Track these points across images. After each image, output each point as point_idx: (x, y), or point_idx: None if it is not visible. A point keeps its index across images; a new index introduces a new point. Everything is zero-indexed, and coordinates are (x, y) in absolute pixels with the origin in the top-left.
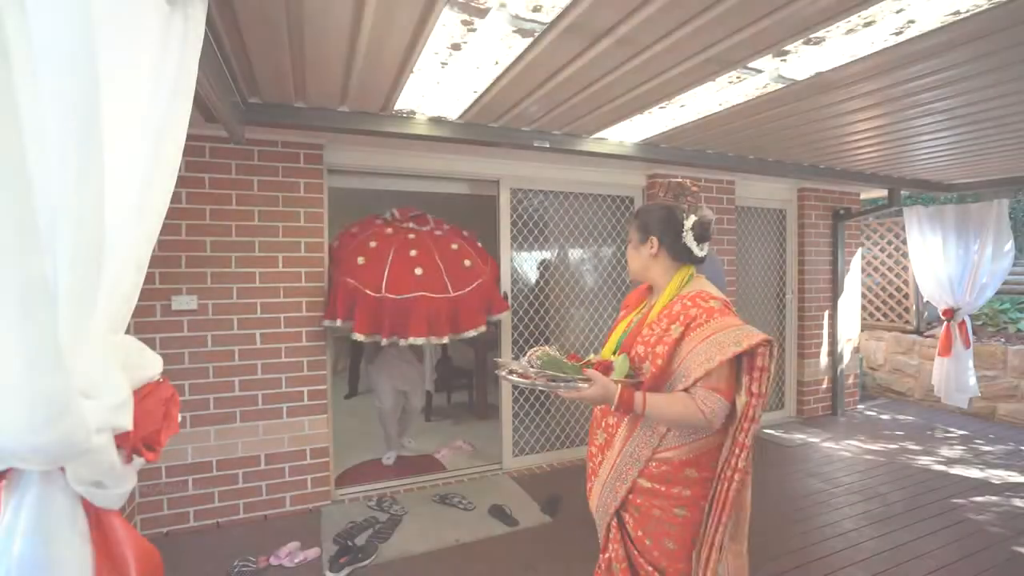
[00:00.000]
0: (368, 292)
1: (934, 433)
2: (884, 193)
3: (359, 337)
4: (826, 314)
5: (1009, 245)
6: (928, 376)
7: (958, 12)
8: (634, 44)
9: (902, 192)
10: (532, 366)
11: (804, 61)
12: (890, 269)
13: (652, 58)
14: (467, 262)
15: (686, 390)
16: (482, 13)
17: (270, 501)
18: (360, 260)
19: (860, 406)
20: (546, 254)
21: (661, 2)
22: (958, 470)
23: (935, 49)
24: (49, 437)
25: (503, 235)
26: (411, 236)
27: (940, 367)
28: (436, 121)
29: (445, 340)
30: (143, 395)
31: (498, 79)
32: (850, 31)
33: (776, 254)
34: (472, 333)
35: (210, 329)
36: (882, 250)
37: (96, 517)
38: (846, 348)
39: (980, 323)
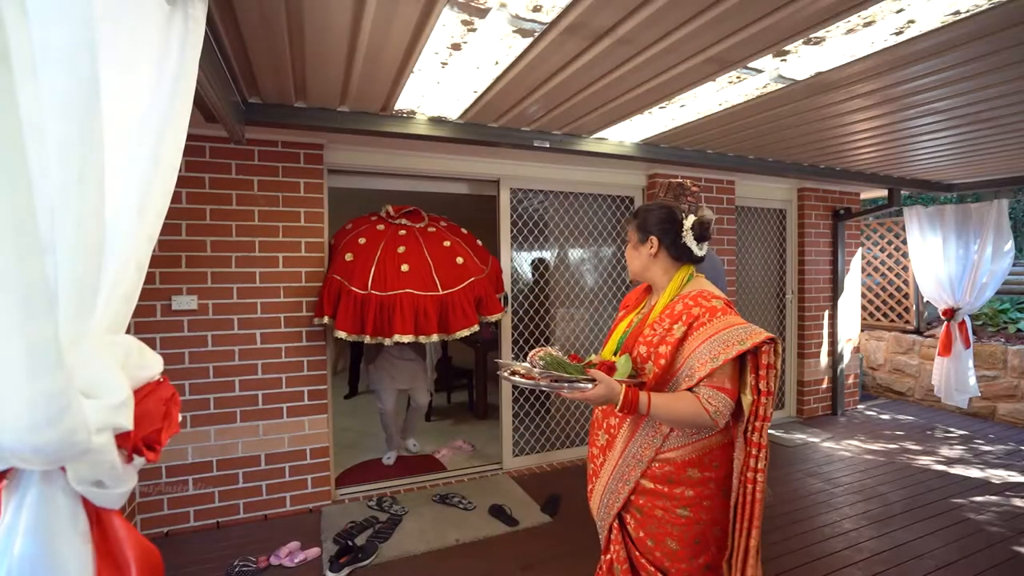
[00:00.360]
0: (353, 289)
1: (934, 433)
2: (884, 193)
3: (341, 335)
4: (826, 314)
5: (1009, 245)
6: (928, 376)
7: (958, 12)
8: (634, 44)
9: (902, 192)
10: (535, 367)
11: (804, 61)
12: (890, 269)
13: (652, 58)
14: (459, 259)
15: (690, 389)
16: (482, 13)
17: (270, 501)
18: (348, 257)
19: (860, 406)
20: (546, 254)
21: (661, 2)
22: (958, 470)
23: (935, 49)
24: (50, 437)
25: (503, 235)
26: (401, 233)
27: (940, 367)
28: (436, 121)
29: (434, 339)
30: (143, 395)
31: (498, 79)
32: (850, 31)
33: (776, 254)
34: (464, 333)
35: (210, 329)
36: (882, 250)
37: (97, 517)
38: (846, 348)
39: (980, 323)
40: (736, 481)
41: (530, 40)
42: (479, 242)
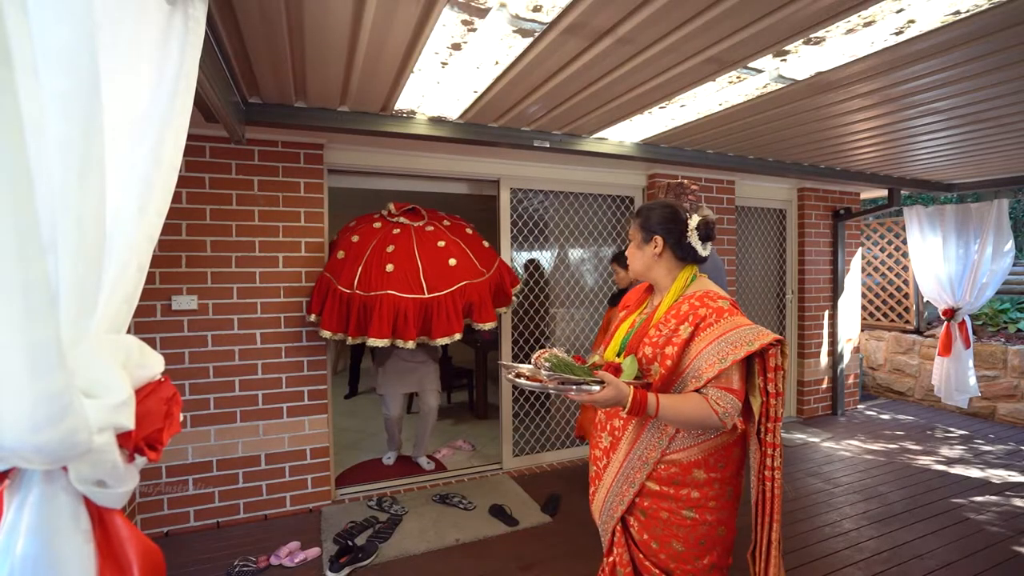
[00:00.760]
0: (340, 288)
1: (934, 433)
2: (884, 193)
3: (326, 335)
4: (826, 314)
5: (1009, 245)
6: (928, 376)
7: (958, 12)
8: (634, 44)
9: (902, 192)
10: (540, 369)
11: (804, 61)
12: (890, 269)
13: (652, 58)
14: (452, 261)
15: (697, 390)
16: (482, 13)
17: (270, 501)
18: (340, 254)
19: (860, 406)
20: (541, 255)
21: (661, 2)
22: (958, 470)
23: (935, 49)
24: (51, 436)
25: (503, 235)
26: (395, 231)
27: (940, 367)
28: (436, 121)
29: (411, 345)
30: (145, 394)
31: (498, 79)
32: (850, 31)
33: (776, 254)
34: (444, 341)
35: (210, 329)
36: (882, 250)
37: (98, 516)
38: (846, 348)
39: (980, 323)
40: (755, 479)
41: (530, 40)
42: (485, 243)
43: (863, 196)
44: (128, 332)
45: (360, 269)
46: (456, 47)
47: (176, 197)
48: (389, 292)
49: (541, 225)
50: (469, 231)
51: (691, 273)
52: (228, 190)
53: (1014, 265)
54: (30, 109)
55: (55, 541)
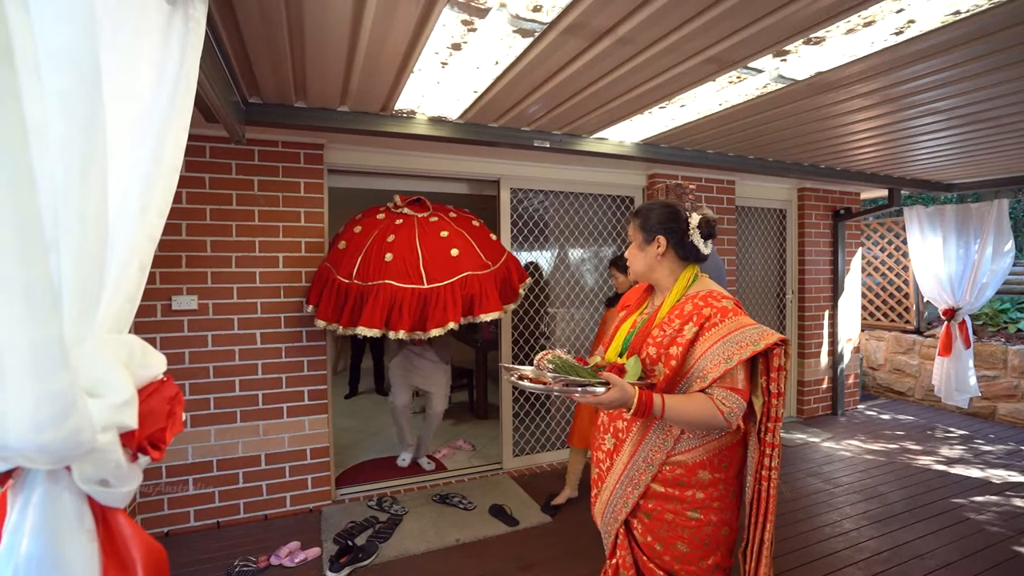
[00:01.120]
0: (338, 278)
1: (934, 433)
2: (884, 193)
3: (320, 324)
4: (826, 314)
5: (1009, 245)
6: (928, 376)
7: (958, 12)
8: (634, 44)
9: (902, 192)
10: (543, 371)
11: (804, 61)
12: (890, 269)
13: (652, 58)
14: (454, 251)
15: (702, 390)
16: (482, 13)
17: (270, 501)
18: (341, 245)
19: (860, 406)
20: (547, 254)
21: (661, 2)
22: (958, 470)
23: (935, 49)
24: (55, 436)
25: (503, 235)
26: (398, 222)
27: (940, 367)
28: (436, 121)
29: (401, 335)
30: (147, 394)
31: (498, 79)
32: (850, 31)
33: (776, 254)
34: (437, 332)
35: (210, 329)
36: (882, 250)
37: (102, 515)
38: (846, 348)
39: (980, 323)
40: (751, 479)
41: (530, 40)
42: (493, 236)
43: (863, 196)
44: (129, 332)
45: (360, 259)
46: (456, 47)
47: (176, 197)
48: (386, 282)
49: (541, 225)
50: (476, 223)
51: (693, 273)
52: (228, 190)
53: (1014, 265)
54: (32, 108)
55: (59, 540)
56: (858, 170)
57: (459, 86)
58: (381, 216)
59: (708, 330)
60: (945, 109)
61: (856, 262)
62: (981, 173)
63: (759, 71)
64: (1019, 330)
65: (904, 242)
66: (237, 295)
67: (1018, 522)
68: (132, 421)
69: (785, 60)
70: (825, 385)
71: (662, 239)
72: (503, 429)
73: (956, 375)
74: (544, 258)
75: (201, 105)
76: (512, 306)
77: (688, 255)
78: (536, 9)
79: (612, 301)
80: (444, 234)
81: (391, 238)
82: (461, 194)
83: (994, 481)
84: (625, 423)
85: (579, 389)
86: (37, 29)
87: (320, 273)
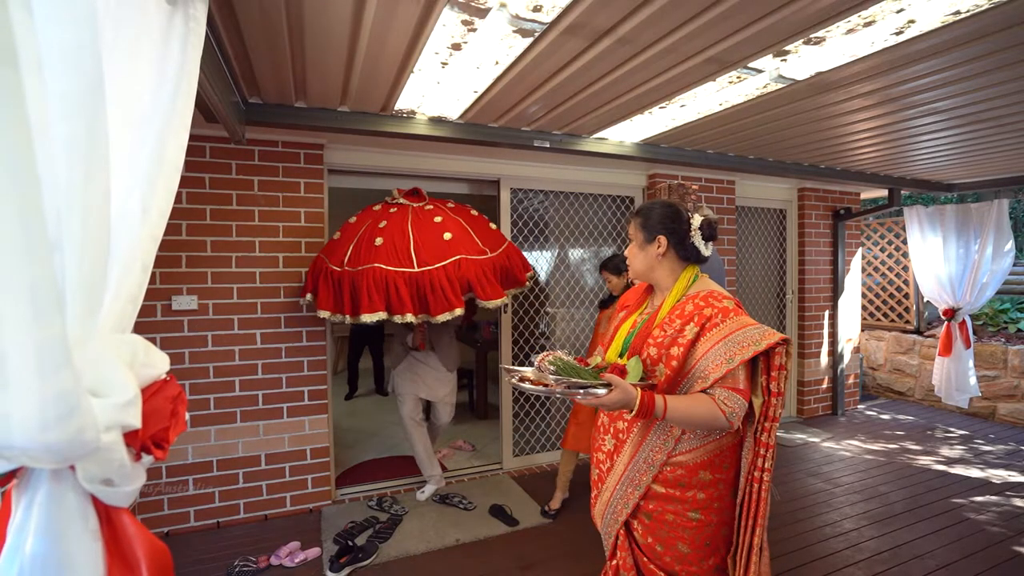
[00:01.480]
0: (331, 266)
1: (934, 433)
2: (884, 193)
3: (324, 315)
4: (826, 314)
5: (1009, 245)
6: (928, 376)
7: (958, 12)
8: (634, 44)
9: (902, 192)
10: (545, 372)
11: (804, 61)
12: (890, 269)
13: (652, 58)
14: (447, 235)
15: (703, 391)
16: (482, 13)
17: (270, 501)
18: (336, 235)
19: (860, 406)
20: (547, 253)
21: (661, 2)
22: (958, 470)
23: (935, 49)
24: (59, 435)
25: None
26: (392, 210)
27: (940, 367)
28: (436, 121)
29: (408, 318)
30: (151, 393)
31: (498, 79)
32: (850, 31)
33: (776, 254)
34: (445, 317)
35: (210, 329)
36: (882, 250)
37: (106, 515)
38: (846, 348)
39: (980, 323)
40: (743, 480)
41: (530, 40)
42: (492, 225)
43: (863, 196)
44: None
45: (351, 246)
46: (456, 47)
47: (176, 197)
48: (375, 265)
49: (541, 225)
50: (474, 212)
51: (693, 273)
52: (228, 190)
53: (1014, 265)
54: (35, 109)
55: (64, 540)
56: (858, 170)
57: (459, 86)
58: (376, 208)
59: (709, 330)
60: (945, 109)
61: (856, 262)
62: (981, 173)
63: (759, 71)
64: (1019, 330)
65: (904, 242)
66: (237, 295)
67: (1018, 522)
68: (136, 420)
69: (785, 60)
70: (825, 385)
71: (663, 239)
72: (503, 429)
73: (956, 375)
74: (544, 258)
75: (201, 105)
76: (514, 291)
77: (689, 256)
78: (536, 9)
79: (605, 303)
80: (438, 219)
81: (383, 224)
82: (461, 194)
83: (994, 481)
84: (625, 424)
85: (581, 391)
86: (40, 29)
87: (315, 264)
